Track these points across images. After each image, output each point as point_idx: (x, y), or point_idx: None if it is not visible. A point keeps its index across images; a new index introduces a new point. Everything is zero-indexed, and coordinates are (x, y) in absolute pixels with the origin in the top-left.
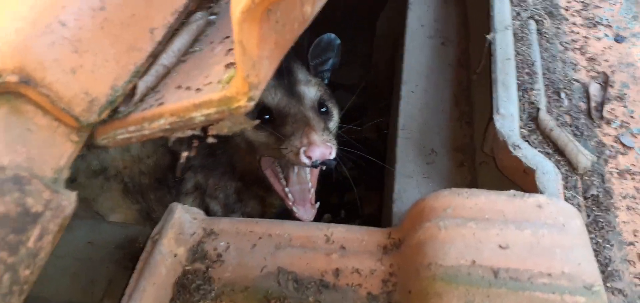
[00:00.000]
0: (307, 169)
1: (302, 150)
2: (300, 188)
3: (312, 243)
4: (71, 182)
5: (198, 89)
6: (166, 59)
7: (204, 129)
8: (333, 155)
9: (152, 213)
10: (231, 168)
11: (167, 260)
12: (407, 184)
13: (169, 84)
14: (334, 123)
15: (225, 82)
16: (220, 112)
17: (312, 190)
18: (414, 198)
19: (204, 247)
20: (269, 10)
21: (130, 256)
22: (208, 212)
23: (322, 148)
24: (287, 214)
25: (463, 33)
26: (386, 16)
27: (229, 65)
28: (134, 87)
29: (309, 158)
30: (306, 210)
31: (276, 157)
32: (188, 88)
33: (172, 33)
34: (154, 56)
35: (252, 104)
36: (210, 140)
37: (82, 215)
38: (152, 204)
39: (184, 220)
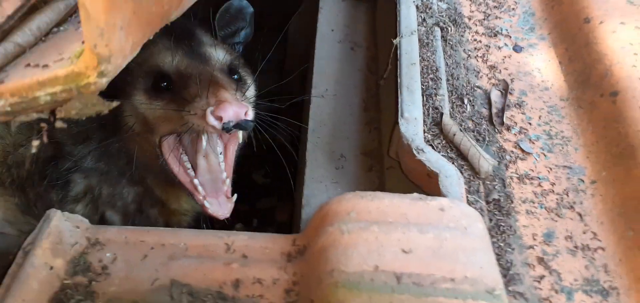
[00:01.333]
0: (220, 154)
1: (209, 110)
2: (212, 178)
3: (210, 252)
4: None
5: (45, 66)
6: (21, 37)
7: (53, 111)
8: (250, 116)
9: (31, 210)
10: (129, 169)
11: (41, 273)
12: (316, 190)
13: (20, 63)
14: (249, 92)
15: (75, 57)
16: (68, 90)
17: (228, 181)
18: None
19: (87, 259)
20: None
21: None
22: (104, 221)
23: (235, 105)
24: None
25: (372, 39)
26: (298, 19)
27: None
28: None
29: (219, 119)
30: (220, 203)
31: (179, 131)
32: (36, 66)
33: (31, 8)
34: (4, 32)
35: (104, 81)
36: (59, 125)
37: None
38: (32, 200)
39: (63, 228)
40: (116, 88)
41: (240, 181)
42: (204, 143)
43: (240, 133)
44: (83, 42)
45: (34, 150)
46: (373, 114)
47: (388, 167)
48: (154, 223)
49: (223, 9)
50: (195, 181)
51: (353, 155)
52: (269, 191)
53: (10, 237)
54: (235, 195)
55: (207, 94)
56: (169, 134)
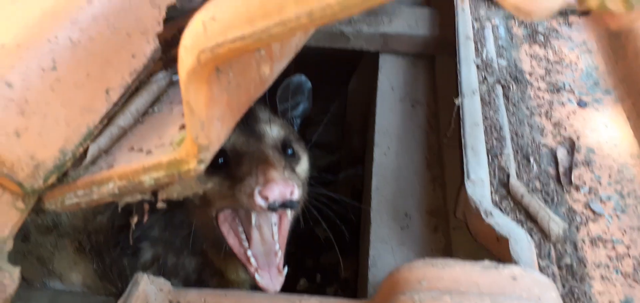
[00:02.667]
0: (274, 227)
1: (257, 190)
2: (265, 250)
3: None
4: (22, 241)
5: (149, 151)
6: (123, 120)
7: (154, 193)
8: (296, 195)
9: (107, 275)
10: (191, 241)
11: None
12: (382, 250)
13: (123, 145)
14: (302, 168)
15: (176, 144)
16: (170, 175)
17: (280, 253)
18: (390, 265)
19: None
20: (219, 71)
21: None
22: None
23: (282, 185)
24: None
25: (432, 96)
26: (358, 78)
27: (183, 126)
28: (86, 150)
29: (265, 198)
30: (271, 276)
31: (232, 206)
32: (140, 150)
33: (131, 94)
34: (110, 117)
35: (202, 166)
36: (160, 205)
37: (37, 275)
38: (108, 266)
39: (149, 291)
40: None
41: (304, 235)
42: (254, 219)
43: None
44: (180, 127)
45: (133, 227)
46: (437, 171)
47: (454, 227)
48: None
49: (284, 85)
50: (249, 252)
51: (418, 214)
52: (332, 245)
53: (95, 299)
54: (286, 268)
55: (257, 173)
56: (225, 208)
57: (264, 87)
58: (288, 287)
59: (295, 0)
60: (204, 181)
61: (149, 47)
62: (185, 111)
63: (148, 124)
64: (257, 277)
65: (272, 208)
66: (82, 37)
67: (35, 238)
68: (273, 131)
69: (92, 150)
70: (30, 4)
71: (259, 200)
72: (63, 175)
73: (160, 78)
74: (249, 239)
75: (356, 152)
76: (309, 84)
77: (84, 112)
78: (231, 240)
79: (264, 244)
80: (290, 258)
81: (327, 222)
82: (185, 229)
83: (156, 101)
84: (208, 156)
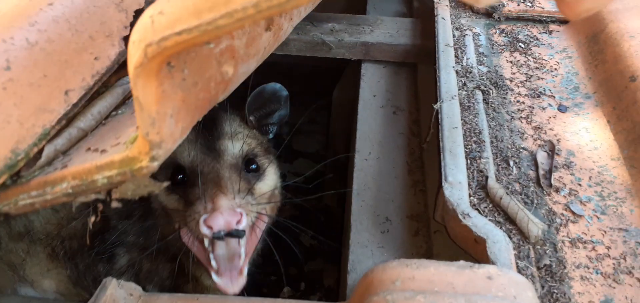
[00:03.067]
0: None
1: (202, 219)
2: (228, 254)
3: None
4: None
5: (103, 151)
6: (83, 122)
7: (109, 192)
8: (243, 225)
9: (81, 281)
10: (164, 246)
11: None
12: (362, 255)
13: (82, 147)
14: (265, 183)
15: (129, 143)
16: (122, 174)
17: (244, 256)
18: (368, 269)
19: None
20: (171, 66)
21: None
22: None
23: (227, 215)
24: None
25: (414, 102)
26: (341, 87)
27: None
28: (41, 150)
29: (210, 227)
30: (232, 280)
31: (186, 226)
32: (96, 150)
33: (93, 96)
34: (69, 119)
35: (155, 164)
36: (115, 205)
37: (8, 282)
38: (82, 271)
39: (118, 296)
40: None
41: (288, 243)
42: (221, 244)
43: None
44: (137, 128)
45: (90, 226)
46: (418, 176)
47: (435, 231)
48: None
49: (256, 93)
50: (211, 255)
51: (399, 219)
52: (317, 254)
53: None
54: (246, 270)
55: (205, 199)
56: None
57: (228, 88)
58: (272, 295)
59: None
60: (163, 197)
61: (113, 50)
62: (135, 107)
63: (109, 126)
64: (214, 278)
65: (217, 237)
66: (39, 38)
67: (6, 244)
68: (235, 146)
69: (48, 150)
70: None
71: (204, 229)
72: (16, 176)
73: (126, 81)
74: (213, 243)
75: (341, 160)
76: (284, 92)
77: (40, 112)
78: (195, 248)
79: (228, 248)
80: (274, 266)
81: (313, 230)
82: (158, 236)
83: (121, 104)
84: (160, 153)
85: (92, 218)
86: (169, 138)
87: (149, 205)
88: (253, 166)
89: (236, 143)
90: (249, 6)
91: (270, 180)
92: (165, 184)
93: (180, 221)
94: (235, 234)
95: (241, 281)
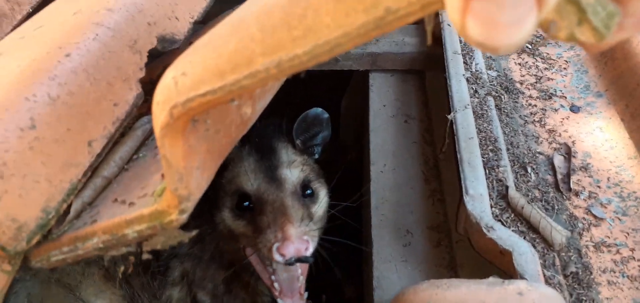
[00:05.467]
0: None
1: (275, 246)
2: (288, 277)
3: None
4: (51, 270)
5: (131, 203)
6: (107, 170)
7: (139, 244)
8: (310, 251)
9: (136, 300)
10: (219, 255)
11: None
12: (386, 270)
13: (108, 197)
14: (320, 206)
15: (157, 195)
16: (152, 227)
17: (302, 279)
18: (394, 284)
19: None
20: (195, 121)
21: None
22: (196, 302)
23: (297, 243)
24: None
25: (424, 110)
26: (349, 96)
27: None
28: (70, 205)
29: (283, 255)
30: (294, 300)
31: (255, 250)
32: (123, 202)
33: (115, 142)
34: (93, 169)
35: (184, 216)
36: (146, 257)
37: (66, 302)
38: (137, 291)
39: None
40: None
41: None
42: (275, 265)
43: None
44: (163, 175)
45: (120, 276)
46: (434, 185)
47: (457, 241)
48: (242, 301)
49: (300, 119)
50: (273, 277)
51: (419, 230)
52: (335, 264)
53: None
54: (307, 293)
55: (276, 228)
56: (248, 246)
57: (247, 126)
58: None
59: (262, 52)
60: (231, 222)
61: (131, 93)
62: (163, 164)
63: (133, 172)
64: (279, 301)
65: (288, 263)
66: (61, 92)
67: (63, 267)
68: (293, 174)
69: (76, 205)
70: (9, 62)
71: (277, 256)
72: (47, 233)
73: (145, 122)
74: (273, 265)
75: (353, 169)
76: (325, 115)
77: (66, 167)
78: (258, 267)
79: (288, 271)
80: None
81: (331, 243)
82: (214, 243)
83: (142, 145)
84: (189, 205)
85: (122, 268)
86: (196, 190)
87: (207, 217)
88: (309, 191)
89: (293, 170)
90: (271, 67)
91: (323, 203)
92: (194, 233)
93: (247, 244)
94: (304, 260)
95: (302, 301)
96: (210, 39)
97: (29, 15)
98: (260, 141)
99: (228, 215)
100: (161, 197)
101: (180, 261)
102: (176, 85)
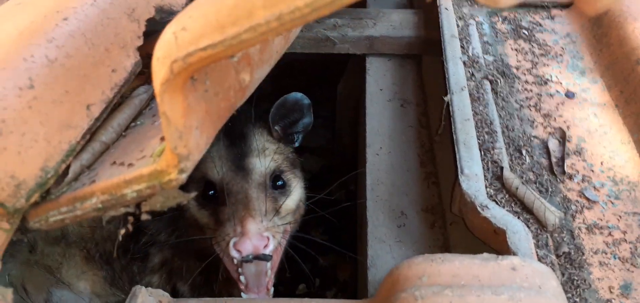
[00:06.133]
0: None
1: (232, 241)
2: (256, 271)
3: None
4: (29, 251)
5: (130, 164)
6: (105, 135)
7: (138, 205)
8: (270, 249)
9: (117, 282)
10: (194, 244)
11: None
12: (380, 250)
13: (106, 160)
14: (291, 199)
15: (156, 156)
16: (152, 187)
17: (270, 273)
18: (388, 264)
19: None
20: (194, 79)
21: None
22: (175, 292)
23: (255, 240)
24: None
25: (421, 94)
26: (346, 80)
27: (163, 138)
28: (68, 167)
29: (239, 251)
30: (259, 297)
31: (215, 242)
32: (121, 164)
33: (113, 108)
34: (92, 133)
35: (183, 176)
36: (144, 217)
37: (44, 284)
38: (117, 272)
39: None
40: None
41: (300, 240)
42: (235, 260)
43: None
44: (161, 139)
45: (120, 238)
46: (430, 168)
47: (451, 222)
48: (218, 294)
49: (278, 104)
50: (239, 270)
51: (414, 212)
52: (329, 248)
53: None
54: (272, 290)
55: (235, 221)
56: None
57: (245, 94)
58: (287, 293)
59: (263, 4)
60: (195, 211)
61: (129, 61)
62: (162, 121)
63: (130, 138)
64: (243, 295)
65: (245, 260)
66: (59, 55)
67: (43, 249)
68: (263, 163)
69: (75, 167)
70: (6, 25)
71: (233, 252)
72: (46, 193)
73: (142, 92)
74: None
75: (347, 154)
76: (306, 100)
77: (65, 129)
78: (224, 259)
79: (256, 265)
80: (288, 263)
81: (324, 225)
82: (187, 234)
83: (139, 114)
84: (188, 165)
85: (122, 230)
86: (196, 150)
87: (181, 207)
88: (280, 182)
89: (264, 159)
90: (272, 19)
91: (296, 195)
92: (194, 194)
93: (210, 235)
94: (263, 258)
95: (268, 296)
96: None
97: None
98: (232, 126)
99: (193, 203)
100: (160, 157)
101: (160, 249)
102: (176, 40)
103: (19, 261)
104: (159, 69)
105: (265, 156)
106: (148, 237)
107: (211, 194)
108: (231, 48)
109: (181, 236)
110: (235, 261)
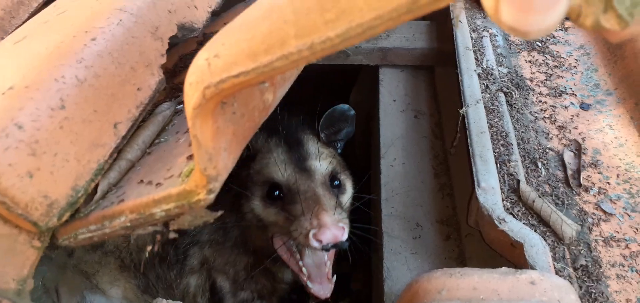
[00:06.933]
0: None
1: (311, 233)
2: (316, 262)
3: None
4: (68, 255)
5: (158, 183)
6: (131, 153)
7: (166, 223)
8: (345, 236)
9: (150, 289)
10: (243, 241)
11: None
12: (396, 262)
13: (132, 178)
14: (347, 197)
15: (185, 176)
16: (180, 206)
17: (329, 264)
18: (404, 276)
19: None
20: (224, 103)
21: None
22: (214, 287)
23: (334, 229)
24: (298, 289)
25: (434, 105)
26: (357, 90)
27: (190, 157)
28: (97, 185)
29: (320, 241)
30: (322, 286)
31: (287, 237)
32: (149, 183)
33: (138, 126)
34: (118, 151)
35: (212, 196)
36: (172, 235)
37: (79, 287)
38: (152, 281)
39: None
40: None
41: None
42: (308, 252)
43: None
44: (188, 157)
45: (146, 255)
46: (444, 180)
47: (466, 234)
48: (262, 288)
49: (328, 113)
50: (301, 263)
51: (429, 223)
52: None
53: None
54: (335, 276)
55: (310, 215)
56: (280, 234)
57: (268, 113)
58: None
59: (295, 34)
60: (261, 211)
61: (153, 79)
62: (193, 144)
63: (155, 155)
64: (309, 285)
65: (325, 249)
66: (88, 75)
67: (81, 255)
68: (322, 165)
69: (103, 185)
70: (36, 45)
71: (314, 243)
72: (75, 211)
73: (165, 108)
74: (300, 253)
75: (359, 163)
76: (352, 112)
77: (94, 148)
78: (284, 255)
79: (315, 257)
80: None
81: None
82: (237, 230)
83: (162, 131)
84: (216, 185)
85: (149, 248)
86: (224, 170)
87: (231, 205)
88: (336, 182)
89: (322, 161)
90: (304, 49)
91: (349, 193)
92: (220, 212)
93: (276, 231)
94: (340, 245)
95: (330, 286)
96: (243, 21)
97: (46, 2)
98: (287, 134)
99: (258, 203)
100: (189, 177)
101: (200, 247)
102: (209, 66)
103: (56, 265)
104: (192, 95)
105: (323, 159)
106: (190, 238)
107: (276, 194)
108: (263, 75)
109: (226, 233)
110: (307, 251)
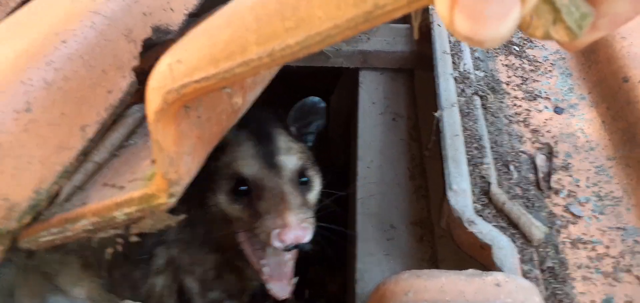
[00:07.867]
0: None
1: (274, 232)
2: (277, 261)
3: None
4: (27, 257)
5: (121, 187)
6: (98, 155)
7: (128, 227)
8: (308, 237)
9: (115, 289)
10: (209, 239)
11: None
12: (370, 263)
13: (98, 181)
14: (314, 194)
15: (147, 179)
16: (142, 210)
17: (290, 264)
18: (376, 278)
19: None
20: (187, 107)
21: None
22: (182, 289)
23: (297, 230)
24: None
25: (412, 108)
26: (338, 93)
27: (154, 160)
28: (60, 188)
29: (282, 241)
30: (282, 285)
31: (251, 233)
32: (113, 186)
33: (107, 128)
34: (86, 154)
35: (173, 200)
36: (134, 239)
37: (39, 290)
38: (117, 280)
39: None
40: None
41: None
42: (270, 251)
43: None
44: (152, 161)
45: (108, 257)
46: (419, 182)
47: (439, 236)
48: (232, 287)
49: (298, 106)
50: (262, 261)
51: (403, 225)
52: (318, 259)
53: None
54: (296, 278)
55: (275, 215)
56: (244, 231)
57: (237, 116)
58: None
59: (256, 41)
60: (226, 206)
61: (124, 81)
62: (154, 148)
63: (123, 158)
64: (268, 285)
65: (287, 249)
66: (56, 77)
67: (42, 256)
68: (291, 161)
69: (67, 188)
70: (4, 47)
71: (276, 243)
72: (38, 214)
73: (136, 110)
74: (263, 250)
75: (339, 166)
76: (322, 104)
77: (59, 150)
78: (247, 251)
79: (277, 255)
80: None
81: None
82: (205, 228)
83: (132, 133)
84: (178, 189)
85: (111, 250)
86: (186, 174)
87: (197, 201)
88: (304, 179)
89: (291, 157)
90: (264, 55)
91: (317, 190)
92: (182, 217)
93: (241, 228)
94: (303, 246)
95: (289, 287)
96: (206, 28)
97: (23, 2)
98: (257, 127)
99: (224, 198)
100: (151, 181)
101: (167, 247)
102: (171, 71)
103: (15, 267)
104: (153, 99)
105: (292, 154)
106: (156, 238)
107: (243, 189)
108: (224, 81)
109: (194, 231)
110: (268, 249)
